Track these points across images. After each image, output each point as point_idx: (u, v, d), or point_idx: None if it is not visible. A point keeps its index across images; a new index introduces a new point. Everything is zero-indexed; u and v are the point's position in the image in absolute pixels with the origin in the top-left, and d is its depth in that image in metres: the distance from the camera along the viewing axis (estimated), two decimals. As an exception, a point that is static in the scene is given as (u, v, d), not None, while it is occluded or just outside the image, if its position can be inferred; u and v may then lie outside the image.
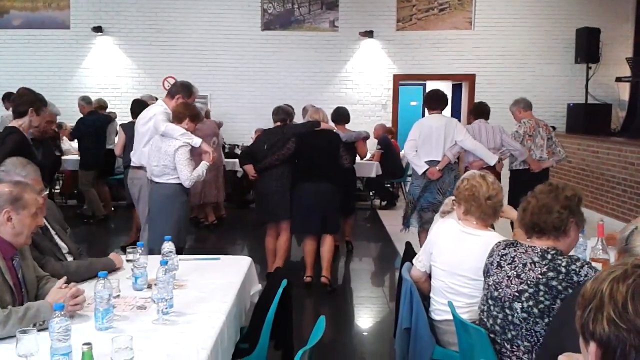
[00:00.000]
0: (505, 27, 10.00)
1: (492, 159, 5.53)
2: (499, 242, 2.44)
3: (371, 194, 9.37)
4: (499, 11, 9.99)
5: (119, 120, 8.88)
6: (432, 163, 5.44)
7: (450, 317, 2.61)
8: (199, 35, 10.07)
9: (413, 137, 5.51)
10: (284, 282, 2.78)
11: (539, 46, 10.03)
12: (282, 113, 5.45)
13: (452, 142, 5.44)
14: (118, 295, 2.53)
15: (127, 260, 2.97)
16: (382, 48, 10.13)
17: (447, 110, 11.67)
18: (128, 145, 6.10)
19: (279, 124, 5.43)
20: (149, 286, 2.67)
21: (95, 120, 7.81)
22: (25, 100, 4.32)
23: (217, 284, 2.85)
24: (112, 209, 8.27)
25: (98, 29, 9.99)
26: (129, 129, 6.08)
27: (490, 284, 2.36)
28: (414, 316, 2.81)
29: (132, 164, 5.11)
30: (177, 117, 4.46)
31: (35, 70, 9.91)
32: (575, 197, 2.28)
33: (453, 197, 3.01)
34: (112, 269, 2.94)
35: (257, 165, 5.30)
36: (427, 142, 5.46)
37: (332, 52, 10.12)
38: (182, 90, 4.75)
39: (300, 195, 5.20)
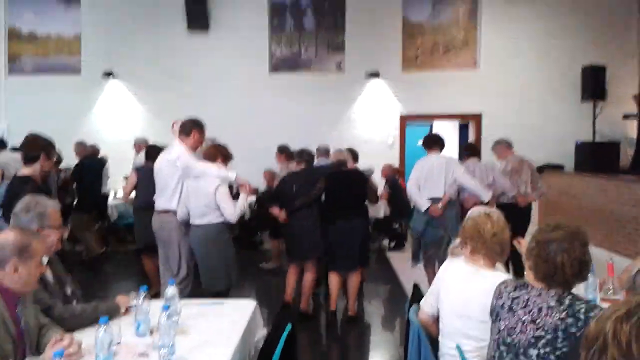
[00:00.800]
0: (510, 65, 10.10)
1: (486, 196, 5.80)
2: (505, 282, 2.36)
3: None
4: (504, 50, 10.11)
5: (114, 164, 9.00)
6: (434, 200, 5.71)
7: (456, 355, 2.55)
8: (209, 78, 10.25)
9: (415, 175, 5.81)
10: (289, 327, 2.73)
11: (544, 84, 10.10)
12: (306, 155, 5.71)
13: (452, 180, 5.71)
14: (119, 342, 2.49)
15: (129, 306, 2.94)
16: (388, 88, 10.23)
17: (455, 150, 11.77)
18: (139, 188, 6.19)
19: (302, 165, 5.68)
20: (152, 332, 2.63)
21: (94, 164, 7.95)
22: (37, 146, 4.32)
23: (221, 328, 2.81)
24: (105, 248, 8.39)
25: (109, 74, 10.19)
26: (144, 172, 6.01)
27: (501, 328, 2.26)
28: (423, 359, 2.75)
29: (158, 209, 4.85)
30: (209, 159, 4.64)
31: (46, 116, 10.06)
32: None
33: (459, 239, 2.97)
34: (117, 312, 2.91)
35: (286, 207, 5.51)
36: (429, 179, 5.74)
37: (339, 93, 10.24)
38: (195, 126, 4.78)
39: (337, 234, 5.42)
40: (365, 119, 10.29)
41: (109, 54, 10.30)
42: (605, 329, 1.10)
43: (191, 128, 4.75)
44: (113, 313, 2.84)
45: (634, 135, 9.75)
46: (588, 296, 2.98)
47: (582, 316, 2.09)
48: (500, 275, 2.66)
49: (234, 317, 3.02)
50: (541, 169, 10.06)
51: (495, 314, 2.32)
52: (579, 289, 3.02)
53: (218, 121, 9.99)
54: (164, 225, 4.81)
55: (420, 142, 6.45)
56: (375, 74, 10.12)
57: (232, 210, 4.49)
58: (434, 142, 5.95)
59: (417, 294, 3.29)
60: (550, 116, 10.08)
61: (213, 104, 10.18)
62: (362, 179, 5.65)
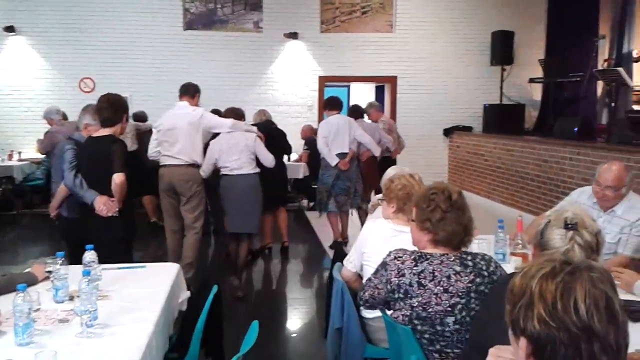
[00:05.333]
0: (424, 30, 10.32)
1: (377, 151, 6.85)
2: (401, 258, 2.27)
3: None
4: (419, 15, 10.30)
5: (30, 124, 8.48)
6: (340, 155, 6.45)
7: (380, 314, 2.64)
8: (118, 35, 9.74)
9: (324, 135, 6.48)
10: (215, 289, 2.73)
11: (457, 49, 10.41)
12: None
13: (353, 137, 6.52)
14: (38, 309, 2.40)
15: (47, 272, 2.82)
16: (307, 50, 10.19)
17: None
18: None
19: None
20: (71, 298, 2.55)
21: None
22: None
23: (144, 293, 2.77)
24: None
25: (10, 29, 9.46)
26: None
27: (414, 305, 2.21)
28: (346, 316, 2.83)
29: (183, 162, 5.13)
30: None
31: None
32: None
33: (379, 196, 3.05)
34: (35, 282, 2.79)
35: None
36: (336, 138, 6.46)
37: (257, 53, 10.07)
38: (198, 90, 5.39)
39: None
40: (284, 80, 10.22)
41: (12, 7, 9.52)
42: (531, 286, 1.14)
43: (195, 91, 5.34)
44: (30, 283, 2.72)
45: (539, 98, 10.33)
46: (498, 250, 3.18)
47: (485, 273, 2.21)
48: None
49: (157, 280, 2.98)
50: (451, 130, 10.50)
51: (403, 292, 2.24)
52: (490, 244, 3.22)
53: (128, 79, 9.62)
54: (190, 177, 5.14)
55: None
56: (293, 35, 10.02)
57: (271, 158, 5.36)
58: (335, 104, 6.65)
59: (340, 253, 3.38)
60: (461, 79, 10.45)
61: (123, 62, 9.74)
62: (283, 134, 6.48)
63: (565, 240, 1.97)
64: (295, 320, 4.88)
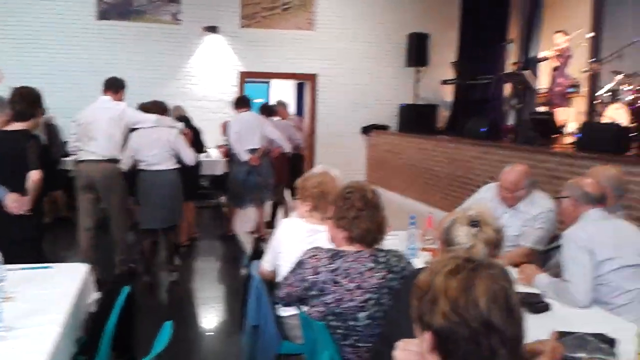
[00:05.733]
0: (344, 29, 10.48)
1: (288, 147, 7.17)
2: (316, 256, 2.32)
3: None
4: (338, 14, 10.44)
5: None
6: (252, 151, 6.62)
7: (297, 311, 2.68)
8: (27, 23, 9.20)
9: (235, 130, 6.65)
10: (126, 290, 2.67)
11: (374, 49, 10.65)
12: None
13: (263, 134, 6.74)
14: None
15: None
16: (227, 44, 10.07)
17: (292, 108, 12.03)
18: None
19: None
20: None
21: None
22: None
23: (51, 294, 2.66)
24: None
25: None
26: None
27: (329, 302, 2.28)
28: (262, 313, 2.85)
29: (102, 158, 5.05)
30: (155, 113, 5.32)
31: None
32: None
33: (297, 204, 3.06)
34: None
35: None
36: (247, 134, 6.64)
37: (175, 46, 9.85)
38: (121, 85, 5.32)
39: None
40: (204, 75, 10.05)
41: None
42: (435, 282, 1.19)
43: (120, 86, 5.29)
44: None
45: (451, 99, 10.77)
46: (410, 246, 3.30)
47: (397, 269, 2.30)
48: None
49: (64, 281, 2.87)
50: (369, 128, 10.74)
51: (318, 289, 2.30)
52: (402, 240, 3.34)
53: (39, 70, 9.11)
54: (109, 172, 5.08)
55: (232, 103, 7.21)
56: (213, 29, 9.88)
57: (192, 155, 5.40)
58: (244, 103, 6.92)
59: (258, 249, 3.39)
60: (379, 79, 10.70)
61: (33, 54, 9.22)
62: (197, 132, 6.72)
63: (469, 237, 2.09)
64: (212, 318, 4.84)
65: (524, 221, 3.50)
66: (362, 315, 2.26)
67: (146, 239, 5.40)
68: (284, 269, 2.89)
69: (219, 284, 5.79)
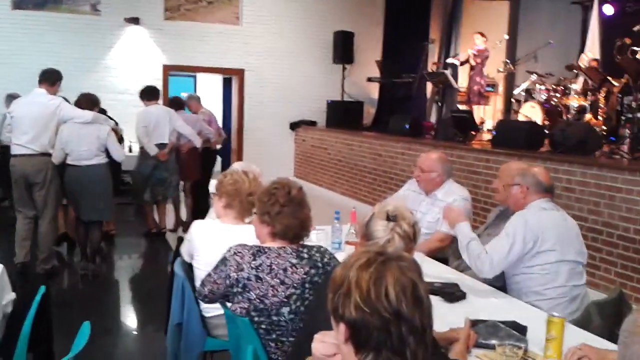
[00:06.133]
0: (270, 25, 10.45)
1: (198, 142, 6.90)
2: (240, 253, 2.32)
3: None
4: (264, 10, 10.40)
5: None
6: (160, 146, 6.50)
7: (221, 311, 2.67)
8: None
9: (143, 124, 6.48)
10: (42, 289, 2.58)
11: (301, 46, 10.69)
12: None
13: (172, 129, 6.56)
14: None
15: None
16: (149, 37, 9.81)
17: (219, 103, 11.90)
18: None
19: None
20: None
21: None
22: None
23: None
24: None
25: None
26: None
27: (252, 298, 2.29)
28: (186, 311, 2.83)
29: (33, 152, 4.98)
30: (87, 107, 5.28)
31: None
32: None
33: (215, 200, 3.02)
34: None
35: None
36: (156, 128, 6.49)
37: (95, 38, 9.50)
38: (60, 79, 5.23)
39: None
40: (125, 67, 9.74)
41: None
42: (349, 275, 1.24)
43: (56, 79, 5.18)
44: None
45: (376, 96, 10.99)
46: (335, 240, 3.36)
47: (320, 264, 2.34)
48: (248, 228, 2.76)
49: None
50: (298, 124, 10.80)
51: (241, 286, 2.30)
52: (327, 233, 3.40)
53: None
54: (42, 166, 5.03)
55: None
56: (135, 20, 9.59)
57: (122, 152, 5.52)
58: (153, 95, 6.73)
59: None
60: (306, 76, 10.76)
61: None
62: None
63: (387, 231, 2.16)
64: (135, 316, 4.74)
65: (440, 208, 3.67)
66: (285, 310, 2.29)
67: (80, 229, 5.42)
68: (198, 272, 2.86)
69: (142, 281, 5.66)
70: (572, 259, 2.84)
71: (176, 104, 7.35)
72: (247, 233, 2.65)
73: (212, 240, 2.80)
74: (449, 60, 9.82)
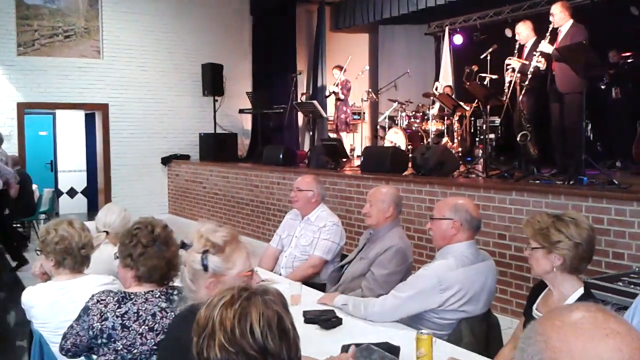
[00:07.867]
0: (135, 58, 10.15)
1: None
2: (103, 300, 2.16)
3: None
4: (126, 43, 10.07)
5: None
6: None
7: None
8: None
9: None
10: None
11: (170, 78, 10.50)
12: None
13: None
14: None
15: None
16: (2, 74, 9.14)
17: (83, 140, 11.28)
18: None
19: None
20: None
21: None
22: None
23: None
24: None
25: None
26: None
27: (119, 349, 2.12)
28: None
29: None
30: None
31: None
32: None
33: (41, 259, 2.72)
34: None
35: None
36: None
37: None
38: None
39: None
40: (-27, 107, 8.97)
41: None
42: (213, 315, 1.21)
43: None
44: None
45: (249, 127, 11.04)
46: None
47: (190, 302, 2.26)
48: (94, 277, 2.61)
49: None
50: (169, 158, 10.53)
51: (106, 337, 2.13)
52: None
53: None
54: None
55: None
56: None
57: None
58: None
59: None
60: (176, 109, 10.56)
61: None
62: None
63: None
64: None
65: (312, 232, 3.85)
66: (155, 359, 2.15)
67: None
68: (53, 336, 2.56)
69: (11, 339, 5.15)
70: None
71: None
72: (91, 282, 2.50)
73: (52, 305, 2.55)
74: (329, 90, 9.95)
